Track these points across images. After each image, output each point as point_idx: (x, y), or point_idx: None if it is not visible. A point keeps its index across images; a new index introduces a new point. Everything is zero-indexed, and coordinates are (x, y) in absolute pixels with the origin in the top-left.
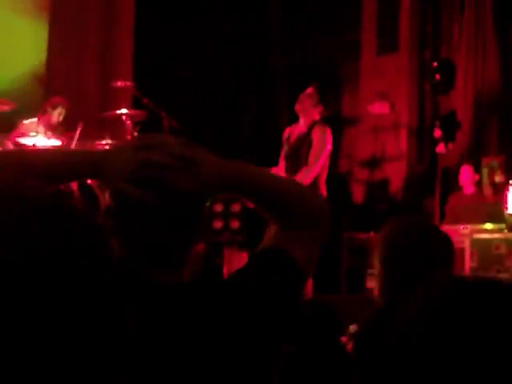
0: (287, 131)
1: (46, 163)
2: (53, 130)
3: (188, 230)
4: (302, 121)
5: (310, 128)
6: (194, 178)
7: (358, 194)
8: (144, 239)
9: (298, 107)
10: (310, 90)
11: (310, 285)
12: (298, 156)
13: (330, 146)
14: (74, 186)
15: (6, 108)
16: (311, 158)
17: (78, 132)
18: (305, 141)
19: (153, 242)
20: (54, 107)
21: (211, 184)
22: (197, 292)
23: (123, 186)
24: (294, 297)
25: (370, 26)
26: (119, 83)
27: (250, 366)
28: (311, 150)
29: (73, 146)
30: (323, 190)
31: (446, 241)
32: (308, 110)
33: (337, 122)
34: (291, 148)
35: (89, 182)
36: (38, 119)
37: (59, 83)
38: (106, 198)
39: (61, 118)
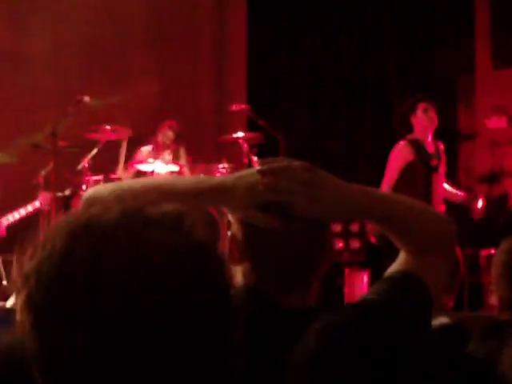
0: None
1: (174, 191)
2: (164, 153)
3: (314, 254)
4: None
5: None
6: (318, 203)
7: (478, 209)
8: (271, 265)
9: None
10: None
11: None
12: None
13: None
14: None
15: (124, 136)
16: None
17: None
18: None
19: (280, 267)
20: (165, 131)
21: (334, 208)
22: (326, 318)
23: (250, 212)
24: (425, 323)
25: (484, 40)
26: (234, 107)
27: None
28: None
29: (189, 171)
30: None
31: None
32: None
33: (454, 136)
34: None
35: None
36: (152, 145)
37: (174, 109)
38: (224, 225)
39: (169, 141)
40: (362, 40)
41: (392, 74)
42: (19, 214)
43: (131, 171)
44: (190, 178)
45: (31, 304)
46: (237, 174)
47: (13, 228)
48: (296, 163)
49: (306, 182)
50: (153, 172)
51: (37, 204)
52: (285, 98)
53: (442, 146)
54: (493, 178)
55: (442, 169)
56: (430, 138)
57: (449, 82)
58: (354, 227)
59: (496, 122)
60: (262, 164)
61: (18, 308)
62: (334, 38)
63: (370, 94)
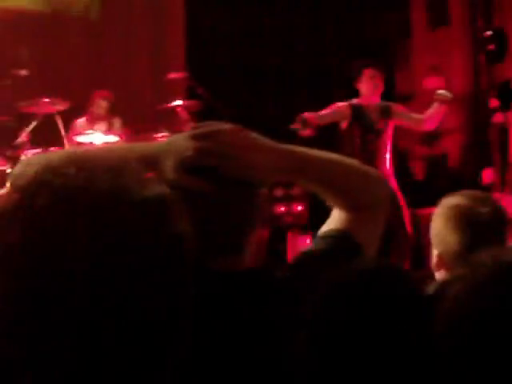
0: None
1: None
2: (100, 124)
3: (244, 217)
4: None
5: None
6: (249, 165)
7: (418, 170)
8: (201, 228)
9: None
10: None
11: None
12: None
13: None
14: None
15: (62, 107)
16: None
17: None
18: None
19: (209, 229)
20: (97, 101)
21: (266, 170)
22: (255, 280)
23: (179, 175)
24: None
25: (419, 1)
26: (172, 75)
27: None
28: None
29: (129, 140)
30: None
31: (498, 211)
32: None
33: (391, 98)
34: None
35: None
36: (86, 116)
37: (111, 79)
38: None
39: (103, 112)
40: (298, 5)
41: (329, 37)
42: None
43: (72, 144)
44: (121, 147)
45: None
46: (169, 140)
47: None
48: (227, 126)
49: (237, 144)
50: (91, 143)
51: None
52: (224, 65)
53: (393, 108)
54: (431, 138)
55: (389, 130)
56: (374, 103)
57: (385, 44)
58: (296, 191)
59: (434, 83)
60: (193, 129)
61: None
62: (271, 4)
63: (308, 60)
